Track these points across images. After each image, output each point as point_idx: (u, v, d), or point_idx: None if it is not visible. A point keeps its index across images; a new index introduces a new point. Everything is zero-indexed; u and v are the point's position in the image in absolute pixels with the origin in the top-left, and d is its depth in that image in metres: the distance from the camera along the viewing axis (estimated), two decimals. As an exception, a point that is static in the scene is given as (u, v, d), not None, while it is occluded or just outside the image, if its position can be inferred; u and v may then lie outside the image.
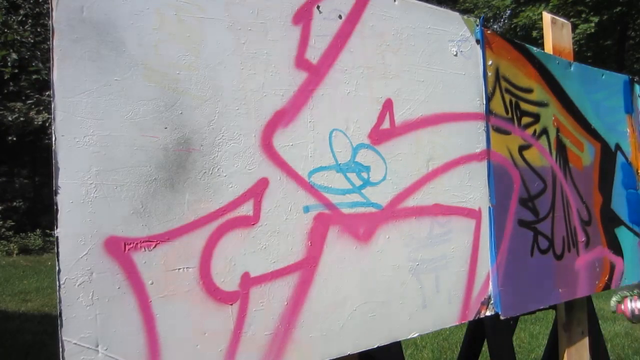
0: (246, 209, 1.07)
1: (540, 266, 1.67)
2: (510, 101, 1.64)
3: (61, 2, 0.88)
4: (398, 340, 1.33)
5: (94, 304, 0.88)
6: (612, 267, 1.97)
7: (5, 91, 9.94)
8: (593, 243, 1.90)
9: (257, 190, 1.09)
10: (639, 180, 2.15)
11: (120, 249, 0.92)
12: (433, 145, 1.40)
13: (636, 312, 1.68)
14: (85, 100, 0.90)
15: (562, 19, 2.01)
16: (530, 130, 1.68)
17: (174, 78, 1.00)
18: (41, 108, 10.07)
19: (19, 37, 9.60)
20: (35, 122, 10.05)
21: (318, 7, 1.20)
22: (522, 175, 1.63)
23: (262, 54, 1.11)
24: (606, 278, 1.94)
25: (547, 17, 1.98)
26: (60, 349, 0.85)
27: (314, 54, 1.19)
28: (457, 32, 1.49)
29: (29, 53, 9.89)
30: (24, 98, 10.18)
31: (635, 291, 1.70)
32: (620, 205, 2.06)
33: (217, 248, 1.03)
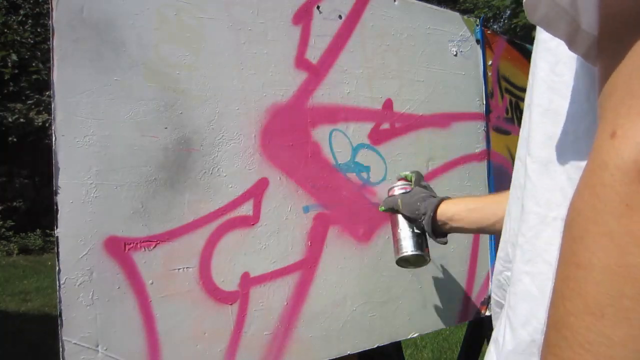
0: (246, 209, 1.07)
1: (540, 266, 1.66)
2: (510, 101, 1.64)
3: (61, 2, 0.88)
4: (398, 340, 1.33)
5: (94, 304, 0.89)
6: (612, 267, 1.97)
7: (5, 91, 9.94)
8: (593, 243, 1.90)
9: (257, 191, 1.09)
10: None
11: (120, 249, 0.92)
12: (433, 145, 1.40)
13: (390, 193, 1.18)
14: (85, 100, 0.90)
15: (562, 19, 2.01)
16: (530, 130, 1.68)
17: (174, 78, 1.00)
18: (41, 108, 10.06)
19: (19, 38, 9.60)
20: (36, 123, 10.05)
21: (318, 7, 1.20)
22: (522, 175, 1.63)
23: (262, 54, 1.11)
24: (606, 278, 1.94)
25: (547, 17, 1.97)
26: (60, 349, 0.85)
27: (314, 54, 1.19)
28: (457, 32, 1.49)
29: (29, 53, 9.89)
30: (24, 98, 10.18)
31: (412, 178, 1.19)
32: (620, 205, 2.06)
33: (217, 248, 1.03)
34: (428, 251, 1.13)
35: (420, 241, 1.12)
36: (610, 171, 0.34)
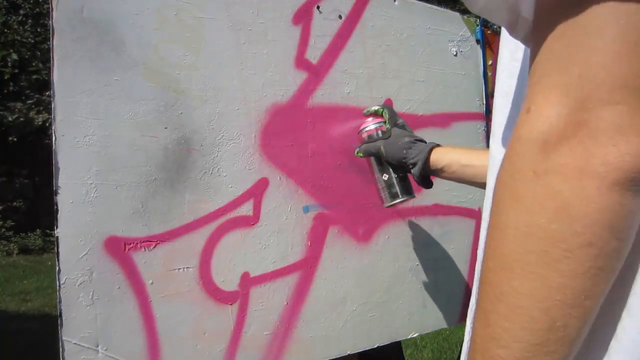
0: (246, 209, 1.07)
1: (540, 266, 1.66)
2: (510, 101, 1.64)
3: (61, 2, 0.88)
4: (398, 340, 1.33)
5: (94, 304, 0.89)
6: (612, 267, 1.97)
7: (5, 91, 9.93)
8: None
9: (257, 191, 1.09)
10: None
11: (120, 249, 0.92)
12: (433, 145, 1.40)
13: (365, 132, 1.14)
14: (85, 100, 0.90)
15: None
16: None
17: (174, 78, 1.00)
18: (41, 108, 10.06)
19: (19, 37, 9.60)
20: (36, 123, 10.04)
21: (318, 7, 1.20)
22: (522, 175, 1.62)
23: (262, 54, 1.11)
24: (606, 278, 1.94)
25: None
26: (60, 349, 0.85)
27: (314, 54, 1.19)
28: (457, 32, 1.49)
29: (29, 53, 9.89)
30: (24, 98, 10.18)
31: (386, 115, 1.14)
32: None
33: (217, 248, 1.03)
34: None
35: (407, 183, 1.11)
36: (522, 143, 0.38)
